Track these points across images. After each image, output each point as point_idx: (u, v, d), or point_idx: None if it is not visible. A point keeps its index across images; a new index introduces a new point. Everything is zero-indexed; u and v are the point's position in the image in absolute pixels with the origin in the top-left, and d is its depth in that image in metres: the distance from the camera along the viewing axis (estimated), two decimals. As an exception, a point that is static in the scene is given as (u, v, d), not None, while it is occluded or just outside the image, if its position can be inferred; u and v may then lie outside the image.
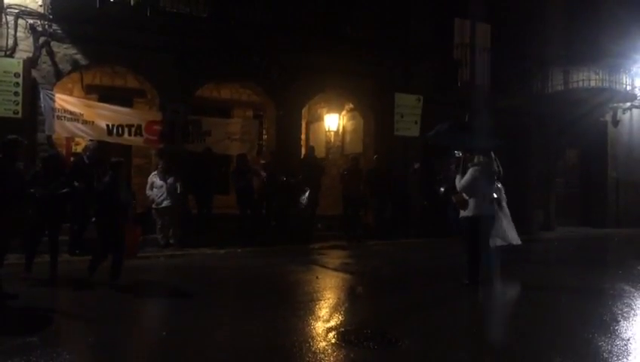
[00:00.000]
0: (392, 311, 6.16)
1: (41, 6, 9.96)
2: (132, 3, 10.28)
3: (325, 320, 5.58)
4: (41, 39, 10.00)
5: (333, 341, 4.77)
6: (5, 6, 9.73)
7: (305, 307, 6.17)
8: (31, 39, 9.94)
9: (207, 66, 11.41)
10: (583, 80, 15.11)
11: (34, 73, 9.95)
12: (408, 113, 13.30)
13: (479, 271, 7.28)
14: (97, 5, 9.59)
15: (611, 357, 4.39)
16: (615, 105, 16.50)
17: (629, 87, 15.73)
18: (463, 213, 7.36)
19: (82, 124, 10.36)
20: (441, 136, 8.10)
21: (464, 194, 7.29)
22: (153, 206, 10.36)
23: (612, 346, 4.66)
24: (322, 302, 6.52)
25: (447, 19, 14.48)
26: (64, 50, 10.24)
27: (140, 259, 9.14)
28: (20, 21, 9.86)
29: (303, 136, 14.25)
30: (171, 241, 10.41)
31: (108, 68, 12.08)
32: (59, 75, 10.31)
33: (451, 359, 4.57)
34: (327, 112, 15.30)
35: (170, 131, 10.99)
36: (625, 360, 4.36)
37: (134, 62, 10.94)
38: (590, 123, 15.86)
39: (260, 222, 11.42)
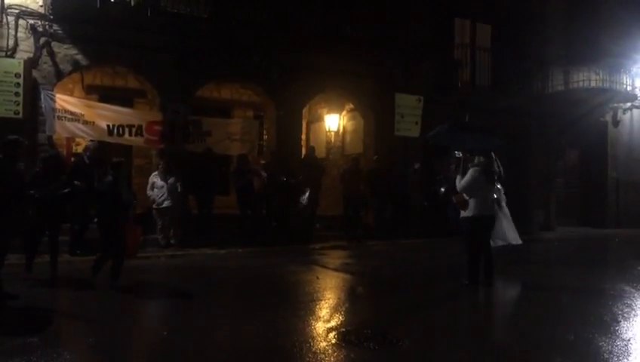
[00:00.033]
0: (392, 311, 6.16)
1: (41, 6, 9.97)
2: (132, 3, 10.29)
3: (326, 321, 5.58)
4: (42, 39, 10.01)
5: (333, 341, 4.78)
6: (6, 6, 9.73)
7: (305, 307, 6.18)
8: (31, 39, 9.95)
9: (208, 66, 11.42)
10: (583, 80, 15.10)
11: (34, 73, 9.96)
12: (409, 113, 13.30)
13: (479, 271, 7.29)
14: (98, 5, 9.60)
15: (612, 358, 4.39)
16: (615, 105, 16.50)
17: (629, 88, 15.73)
18: (463, 214, 7.37)
19: (83, 124, 10.37)
20: (442, 137, 8.12)
21: (464, 195, 7.30)
22: (154, 206, 10.37)
23: (612, 346, 4.66)
24: (323, 302, 6.52)
25: (448, 19, 14.50)
26: (65, 51, 10.24)
27: (140, 259, 9.14)
28: (21, 21, 9.87)
29: (303, 137, 14.25)
30: (172, 241, 10.42)
31: (108, 68, 12.08)
32: (59, 75, 10.31)
33: (451, 359, 4.57)
34: (328, 112, 15.30)
35: (171, 131, 10.99)
36: (625, 360, 4.36)
37: (135, 62, 10.95)
38: (590, 123, 15.86)
39: (260, 223, 11.42)
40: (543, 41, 14.99)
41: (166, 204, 10.33)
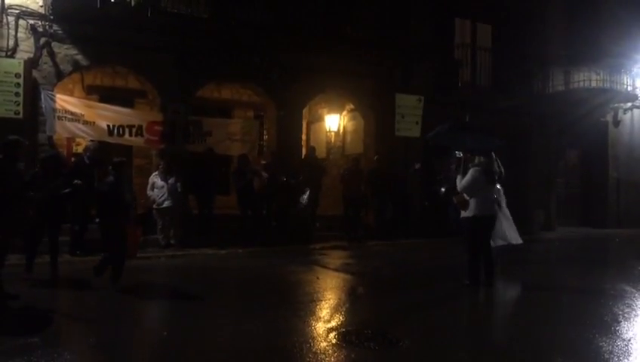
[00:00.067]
0: (392, 311, 6.16)
1: (41, 7, 9.97)
2: (133, 3, 10.29)
3: (326, 321, 5.58)
4: (42, 40, 10.01)
5: (334, 341, 4.78)
6: (6, 7, 9.74)
7: (306, 307, 6.18)
8: (32, 40, 9.95)
9: (208, 67, 11.42)
10: (583, 80, 15.09)
11: (35, 74, 9.96)
12: (409, 113, 13.30)
13: (480, 271, 7.29)
14: (98, 6, 9.58)
15: (612, 358, 4.39)
16: (616, 105, 16.49)
17: (629, 88, 15.72)
18: (463, 214, 7.36)
19: (83, 124, 10.37)
20: (442, 137, 8.12)
21: (465, 195, 7.30)
22: (154, 206, 10.37)
23: (613, 346, 4.66)
24: (323, 302, 6.52)
25: (448, 20, 14.49)
26: (65, 51, 10.25)
27: (140, 260, 9.14)
28: (21, 22, 9.87)
29: (303, 137, 14.25)
30: (172, 242, 10.42)
31: (109, 68, 12.08)
32: (60, 75, 10.32)
33: (452, 359, 4.57)
34: (328, 113, 15.30)
35: (171, 132, 10.99)
36: (626, 360, 4.35)
37: (135, 62, 10.95)
38: (591, 123, 15.84)
39: (260, 223, 11.42)
40: (544, 41, 14.99)
41: (166, 204, 10.33)
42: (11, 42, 9.78)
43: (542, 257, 11.00)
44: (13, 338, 4.71)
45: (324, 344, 4.72)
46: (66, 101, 10.31)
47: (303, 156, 13.14)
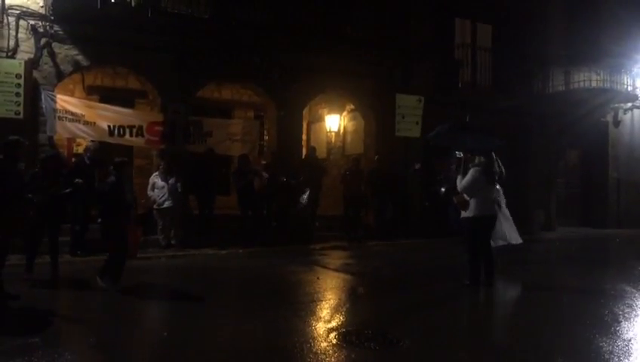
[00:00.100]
0: (392, 311, 6.16)
1: (42, 7, 9.98)
2: (133, 4, 10.30)
3: (326, 321, 5.58)
4: (43, 40, 10.01)
5: (334, 341, 4.78)
6: (6, 7, 9.74)
7: (306, 307, 6.18)
8: (32, 40, 9.95)
9: (208, 67, 11.43)
10: (584, 80, 15.10)
11: (35, 74, 9.96)
12: (409, 114, 13.30)
13: (480, 271, 7.29)
14: (98, 6, 9.59)
15: (612, 358, 4.39)
16: (616, 105, 16.49)
17: (630, 88, 15.72)
18: (463, 214, 7.37)
19: (84, 124, 10.37)
20: (442, 137, 8.11)
21: (465, 195, 7.30)
22: (154, 206, 10.37)
23: (613, 347, 4.66)
24: (323, 302, 6.52)
25: (448, 20, 14.49)
26: (65, 51, 10.25)
27: (141, 260, 9.15)
28: (22, 22, 9.87)
29: (304, 137, 14.25)
30: (172, 242, 10.43)
31: (109, 69, 12.10)
32: (60, 75, 10.32)
33: (452, 359, 4.57)
34: (328, 113, 15.30)
35: (172, 132, 11.00)
36: (626, 360, 4.35)
37: (135, 62, 10.96)
38: (591, 123, 15.84)
39: (260, 223, 11.42)
40: (544, 41, 14.99)
41: (167, 204, 10.34)
42: (12, 43, 9.79)
43: (542, 257, 11.00)
44: (14, 338, 4.72)
45: (324, 344, 4.72)
46: (66, 101, 10.32)
47: (303, 156, 13.15)
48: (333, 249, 11.14)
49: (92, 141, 10.30)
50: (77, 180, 8.37)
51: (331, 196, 13.36)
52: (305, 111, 13.75)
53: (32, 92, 9.85)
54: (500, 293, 7.54)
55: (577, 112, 15.01)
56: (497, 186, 7.77)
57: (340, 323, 5.48)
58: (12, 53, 9.79)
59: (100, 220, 7.18)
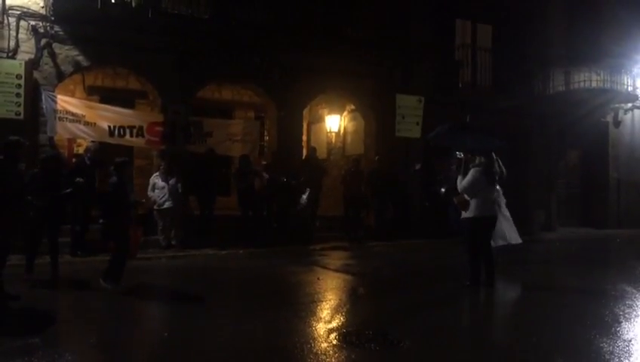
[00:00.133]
0: (393, 311, 6.16)
1: (42, 7, 9.99)
2: (133, 4, 10.31)
3: (327, 321, 5.58)
4: (43, 41, 10.02)
5: (334, 342, 4.78)
6: (7, 8, 9.75)
7: (306, 308, 6.18)
8: (33, 41, 9.96)
9: (208, 67, 11.43)
10: (584, 80, 15.10)
11: (36, 74, 9.97)
12: (409, 114, 13.30)
13: (480, 271, 7.28)
14: (99, 7, 9.60)
15: (613, 358, 4.39)
16: (616, 105, 16.49)
17: (630, 88, 15.73)
18: (464, 214, 7.36)
19: (84, 125, 10.38)
20: (442, 137, 8.12)
21: (465, 195, 7.30)
22: (155, 207, 10.37)
23: (614, 347, 4.66)
24: (324, 303, 6.52)
25: (448, 20, 14.49)
26: (66, 52, 10.26)
27: (141, 261, 9.15)
28: (22, 23, 9.88)
29: (304, 137, 14.25)
30: (173, 242, 10.43)
31: (109, 69, 12.10)
32: (60, 76, 10.33)
33: (452, 359, 4.58)
34: (329, 113, 15.31)
35: (172, 132, 11.00)
36: (626, 361, 4.35)
37: (136, 63, 10.96)
38: (591, 124, 15.84)
39: (261, 223, 11.42)
40: (544, 41, 14.99)
41: (167, 204, 10.34)
42: (12, 43, 9.79)
43: (542, 257, 10.99)
44: (14, 338, 4.72)
45: (324, 344, 4.72)
46: (66, 102, 10.32)
47: (303, 157, 13.15)
48: (334, 249, 11.14)
49: (92, 141, 10.30)
50: (78, 179, 8.38)
51: (331, 196, 13.36)
52: (305, 112, 13.76)
53: (33, 92, 9.85)
54: (501, 294, 7.54)
55: (577, 113, 15.01)
56: (497, 187, 7.77)
57: (340, 323, 5.48)
58: (12, 53, 9.80)
59: (101, 221, 7.13)
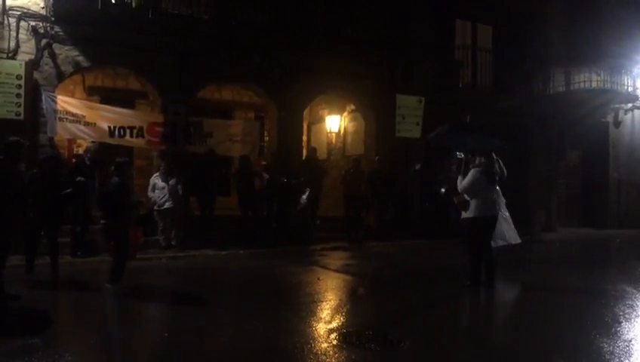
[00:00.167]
0: (393, 312, 6.16)
1: (42, 8, 9.99)
2: (133, 5, 10.32)
3: (327, 322, 5.58)
4: (43, 41, 10.01)
5: (334, 342, 4.78)
6: (7, 8, 9.75)
7: (306, 308, 6.18)
8: (33, 41, 9.96)
9: (208, 67, 11.43)
10: (584, 81, 15.11)
11: (36, 75, 9.97)
12: (410, 114, 13.30)
13: (480, 272, 7.28)
14: (99, 7, 9.60)
15: (613, 359, 4.38)
16: (616, 106, 16.50)
17: (630, 88, 15.74)
18: (464, 215, 7.36)
19: (84, 125, 10.38)
20: (443, 138, 8.12)
21: (465, 196, 7.29)
22: (155, 207, 10.37)
23: (614, 347, 4.66)
24: (324, 303, 6.52)
25: (448, 20, 14.50)
26: (66, 52, 10.26)
27: (141, 261, 9.14)
28: (22, 23, 9.88)
29: (304, 138, 14.25)
30: (173, 243, 10.43)
31: (110, 69, 12.11)
32: (61, 76, 10.33)
33: (452, 360, 4.58)
34: (329, 114, 15.31)
35: (172, 133, 11.00)
36: (627, 361, 4.35)
37: (136, 63, 10.96)
38: (592, 124, 15.85)
39: (261, 224, 11.42)
40: (544, 41, 14.99)
41: (167, 205, 10.34)
42: (12, 44, 9.79)
43: (543, 258, 10.99)
44: (14, 339, 4.72)
45: (325, 345, 4.72)
46: (67, 102, 10.32)
47: (303, 157, 13.15)
48: (334, 250, 11.14)
49: (92, 142, 10.30)
50: (79, 178, 8.37)
51: (332, 197, 13.36)
52: (305, 112, 13.76)
53: (33, 93, 9.85)
54: (501, 294, 7.54)
55: (578, 113, 15.02)
56: (497, 187, 7.76)
57: (340, 323, 5.48)
58: (13, 54, 9.80)
59: (103, 221, 7.10)
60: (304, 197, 11.58)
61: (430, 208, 12.88)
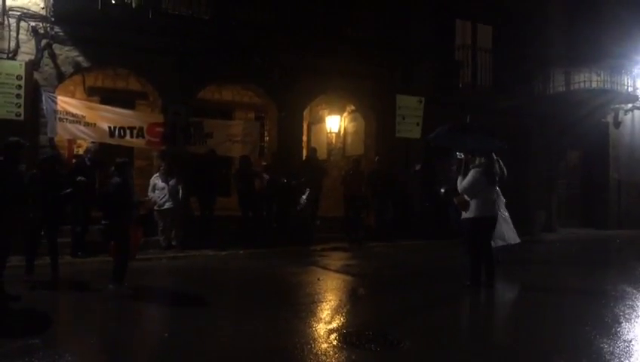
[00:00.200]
0: (393, 312, 6.16)
1: (43, 8, 9.99)
2: (133, 5, 10.32)
3: (327, 322, 5.58)
4: (43, 41, 10.02)
5: (334, 342, 4.78)
6: (7, 9, 9.76)
7: (306, 308, 6.18)
8: (33, 42, 9.96)
9: (209, 68, 11.43)
10: (584, 81, 15.12)
11: (36, 75, 9.97)
12: (410, 115, 13.30)
13: (480, 272, 7.28)
14: (99, 7, 9.61)
15: (613, 359, 4.38)
16: (617, 106, 16.51)
17: (630, 89, 15.75)
18: (464, 215, 7.36)
19: (84, 126, 10.38)
20: (443, 138, 8.11)
21: (465, 196, 7.29)
22: (155, 208, 10.37)
23: (614, 347, 4.65)
24: (324, 303, 6.52)
25: (448, 21, 14.51)
26: (66, 53, 10.26)
27: (141, 261, 9.13)
28: (22, 24, 9.88)
29: (304, 138, 14.26)
30: (173, 243, 10.43)
31: (110, 70, 12.11)
32: (61, 77, 10.33)
33: (452, 360, 4.57)
34: (329, 114, 15.31)
35: (172, 133, 11.00)
36: (627, 361, 4.35)
37: (136, 64, 10.97)
38: (592, 124, 15.85)
39: (261, 224, 11.42)
40: (544, 42, 15.00)
41: (167, 205, 10.34)
42: (12, 44, 9.80)
43: (543, 258, 10.99)
44: (14, 339, 4.72)
45: (325, 345, 4.72)
46: (67, 103, 10.33)
47: (303, 157, 13.15)
48: (334, 250, 11.14)
49: (92, 142, 10.30)
50: (79, 178, 8.36)
51: (332, 197, 13.37)
52: (305, 113, 13.76)
53: (33, 93, 9.85)
54: (501, 294, 7.54)
55: (578, 113, 15.02)
56: (496, 188, 7.77)
57: (340, 324, 5.48)
58: (13, 54, 9.80)
59: (104, 221, 7.08)
60: (304, 197, 11.58)
61: (430, 208, 12.88)
